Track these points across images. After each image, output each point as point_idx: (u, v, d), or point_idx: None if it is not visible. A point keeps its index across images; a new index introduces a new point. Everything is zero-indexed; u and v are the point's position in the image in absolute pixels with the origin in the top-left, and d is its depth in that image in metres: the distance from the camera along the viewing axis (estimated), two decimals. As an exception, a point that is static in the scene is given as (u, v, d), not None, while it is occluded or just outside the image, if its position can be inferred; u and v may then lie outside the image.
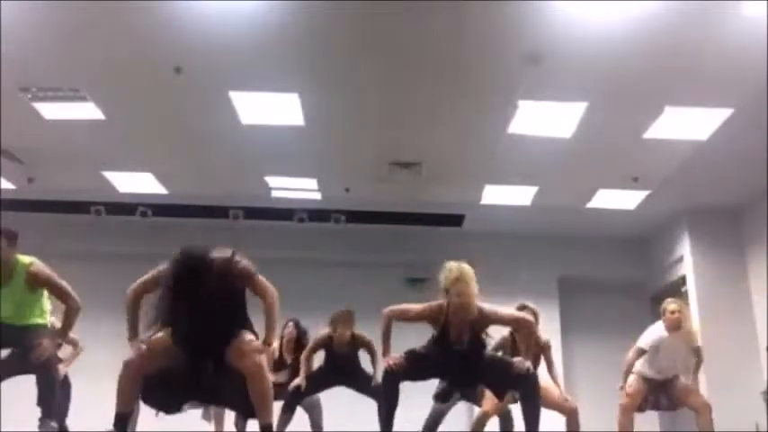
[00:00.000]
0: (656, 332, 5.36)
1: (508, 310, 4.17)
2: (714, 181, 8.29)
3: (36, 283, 4.34)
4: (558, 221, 9.71)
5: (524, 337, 4.24)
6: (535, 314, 5.04)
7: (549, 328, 9.94)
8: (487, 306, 4.07)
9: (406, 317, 4.13)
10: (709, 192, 8.66)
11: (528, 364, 4.06)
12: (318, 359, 5.87)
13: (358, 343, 5.69)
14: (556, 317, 10.23)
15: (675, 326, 5.30)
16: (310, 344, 5.81)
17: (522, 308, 5.19)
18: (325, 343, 5.71)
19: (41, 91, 6.48)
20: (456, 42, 5.63)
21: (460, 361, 4.05)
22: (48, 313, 4.53)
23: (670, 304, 5.38)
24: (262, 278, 3.66)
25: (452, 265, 4.06)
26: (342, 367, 5.67)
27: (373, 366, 5.56)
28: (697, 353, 5.43)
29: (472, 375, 4.19)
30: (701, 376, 8.35)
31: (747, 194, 8.59)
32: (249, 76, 6.25)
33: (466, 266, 4.05)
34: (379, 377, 5.17)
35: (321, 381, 5.71)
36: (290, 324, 6.17)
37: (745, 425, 7.28)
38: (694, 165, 7.72)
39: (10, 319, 4.28)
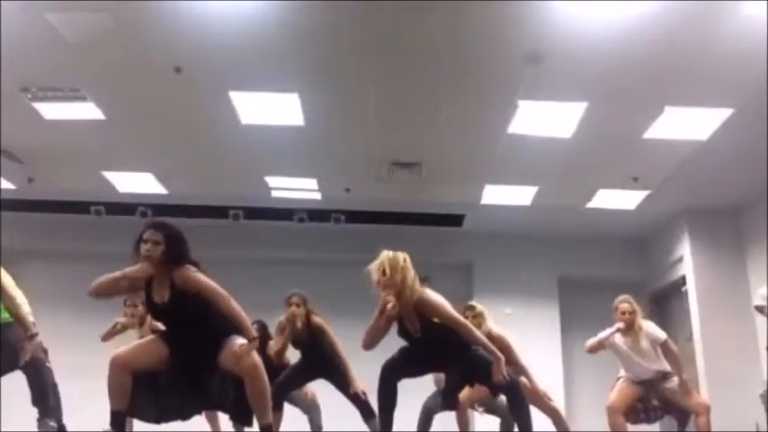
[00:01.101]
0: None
1: (450, 309, 4.02)
2: (714, 181, 8.28)
3: None
4: (558, 221, 9.71)
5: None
6: (481, 313, 5.23)
7: (549, 328, 10.10)
8: (431, 296, 4.01)
9: (378, 331, 4.03)
10: (709, 192, 8.66)
11: (504, 374, 3.96)
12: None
13: (314, 330, 5.44)
14: (556, 317, 10.25)
15: (627, 326, 5.16)
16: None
17: (469, 308, 5.28)
18: (283, 327, 5.55)
19: (41, 91, 6.47)
20: (456, 42, 5.62)
21: (426, 348, 4.06)
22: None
23: (622, 303, 5.23)
24: (202, 278, 3.53)
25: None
26: (311, 357, 5.51)
27: (335, 354, 5.33)
28: (664, 347, 5.12)
29: (443, 361, 4.17)
30: (701, 376, 8.49)
31: (747, 194, 8.58)
32: (249, 76, 6.25)
33: (379, 259, 4.11)
34: (350, 374, 5.18)
35: (299, 372, 5.58)
36: (255, 326, 6.10)
37: (745, 425, 7.26)
38: (694, 165, 7.71)
39: None
